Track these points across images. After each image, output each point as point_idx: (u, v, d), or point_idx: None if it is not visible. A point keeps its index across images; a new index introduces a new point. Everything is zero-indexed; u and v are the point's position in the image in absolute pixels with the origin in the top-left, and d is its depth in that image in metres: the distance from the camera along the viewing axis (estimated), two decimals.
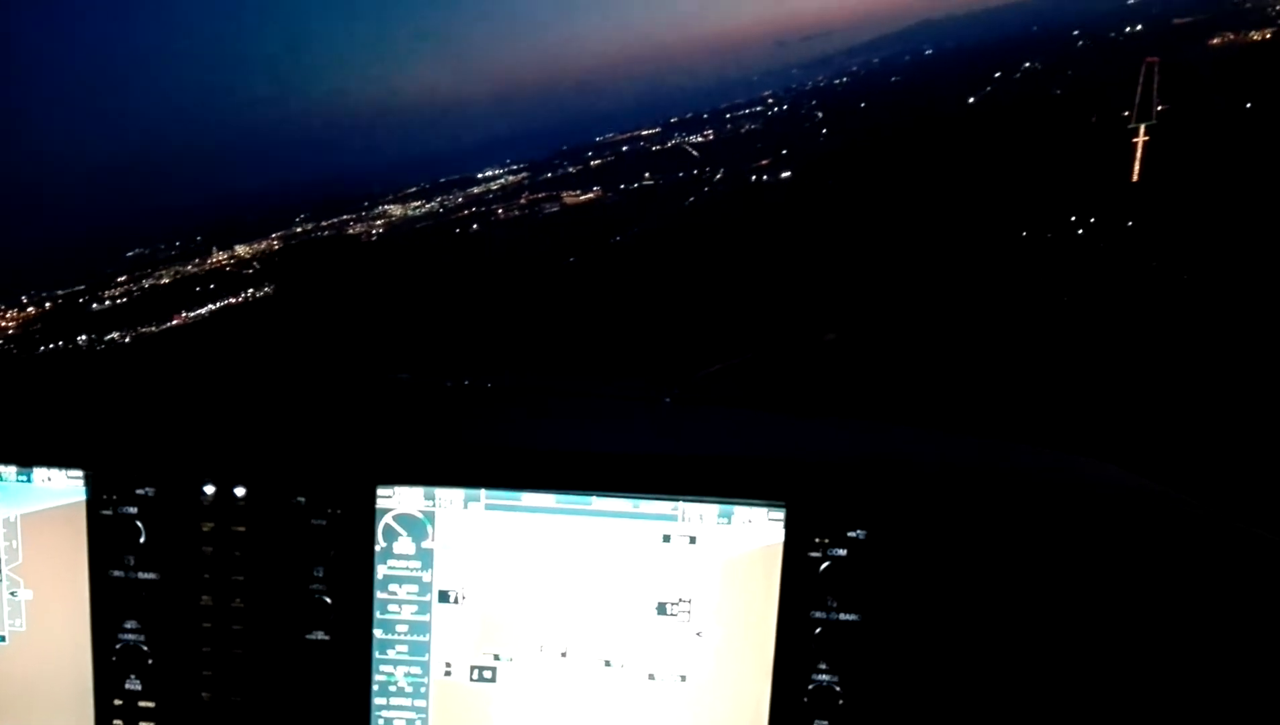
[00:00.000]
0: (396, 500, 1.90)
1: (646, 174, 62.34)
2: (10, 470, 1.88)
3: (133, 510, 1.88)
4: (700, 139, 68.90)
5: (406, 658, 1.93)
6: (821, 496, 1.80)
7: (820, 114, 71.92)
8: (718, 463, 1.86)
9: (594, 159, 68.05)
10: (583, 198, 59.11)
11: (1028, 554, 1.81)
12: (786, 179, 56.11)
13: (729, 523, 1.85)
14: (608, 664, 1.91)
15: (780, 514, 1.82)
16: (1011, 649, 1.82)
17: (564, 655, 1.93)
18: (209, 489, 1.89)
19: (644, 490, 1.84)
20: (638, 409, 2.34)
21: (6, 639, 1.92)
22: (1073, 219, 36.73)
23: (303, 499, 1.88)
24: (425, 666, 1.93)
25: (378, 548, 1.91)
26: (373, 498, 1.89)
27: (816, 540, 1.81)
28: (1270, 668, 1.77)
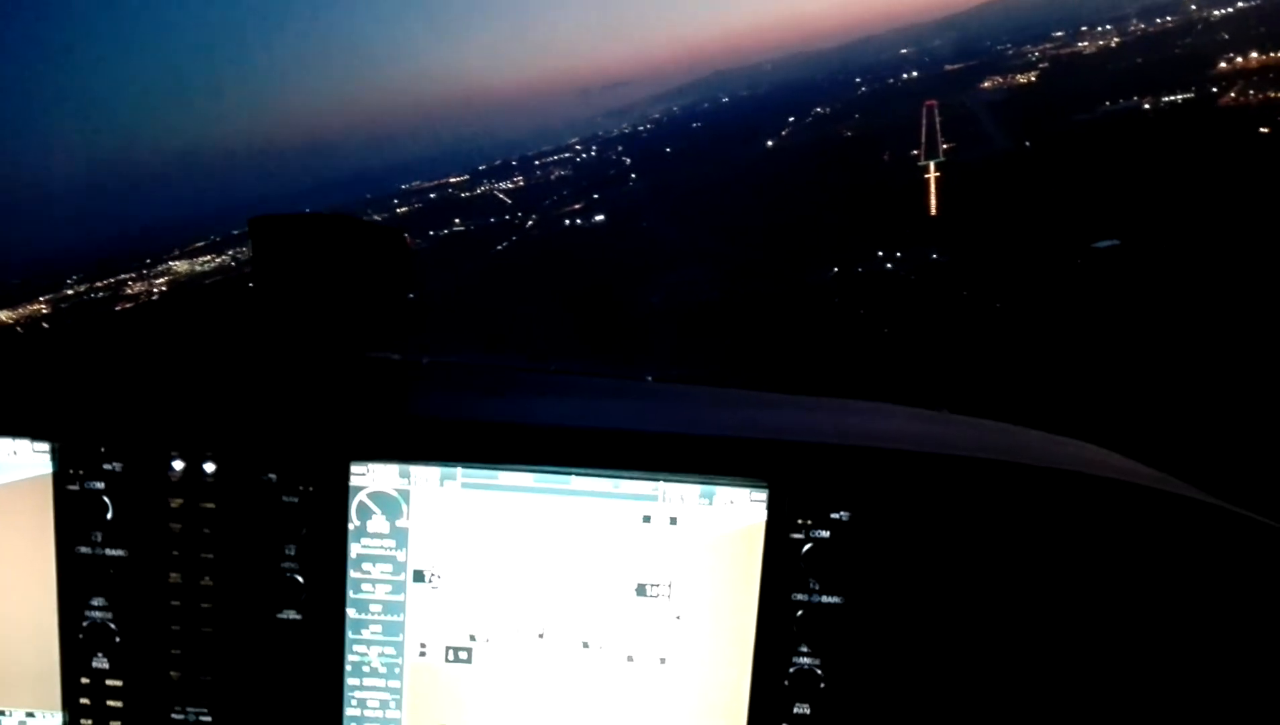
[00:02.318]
0: (371, 478, 1.88)
1: (456, 220, 60.82)
2: None
3: (100, 485, 1.86)
4: (510, 185, 68.20)
5: (380, 638, 1.91)
6: (804, 477, 1.79)
7: (628, 160, 73.16)
8: (699, 442, 1.83)
9: (400, 206, 66.17)
10: None
11: (1014, 538, 1.80)
12: (600, 222, 55.98)
13: (710, 503, 1.83)
14: (586, 645, 1.90)
15: (763, 495, 1.82)
16: (996, 634, 1.81)
17: (541, 636, 1.90)
18: (178, 465, 1.87)
19: (624, 467, 1.82)
20: (618, 387, 2.28)
21: None
22: (880, 253, 37.96)
23: (274, 476, 1.85)
24: (399, 647, 1.91)
25: (351, 526, 1.88)
26: (346, 475, 1.87)
27: (799, 522, 1.80)
28: (1266, 659, 1.78)
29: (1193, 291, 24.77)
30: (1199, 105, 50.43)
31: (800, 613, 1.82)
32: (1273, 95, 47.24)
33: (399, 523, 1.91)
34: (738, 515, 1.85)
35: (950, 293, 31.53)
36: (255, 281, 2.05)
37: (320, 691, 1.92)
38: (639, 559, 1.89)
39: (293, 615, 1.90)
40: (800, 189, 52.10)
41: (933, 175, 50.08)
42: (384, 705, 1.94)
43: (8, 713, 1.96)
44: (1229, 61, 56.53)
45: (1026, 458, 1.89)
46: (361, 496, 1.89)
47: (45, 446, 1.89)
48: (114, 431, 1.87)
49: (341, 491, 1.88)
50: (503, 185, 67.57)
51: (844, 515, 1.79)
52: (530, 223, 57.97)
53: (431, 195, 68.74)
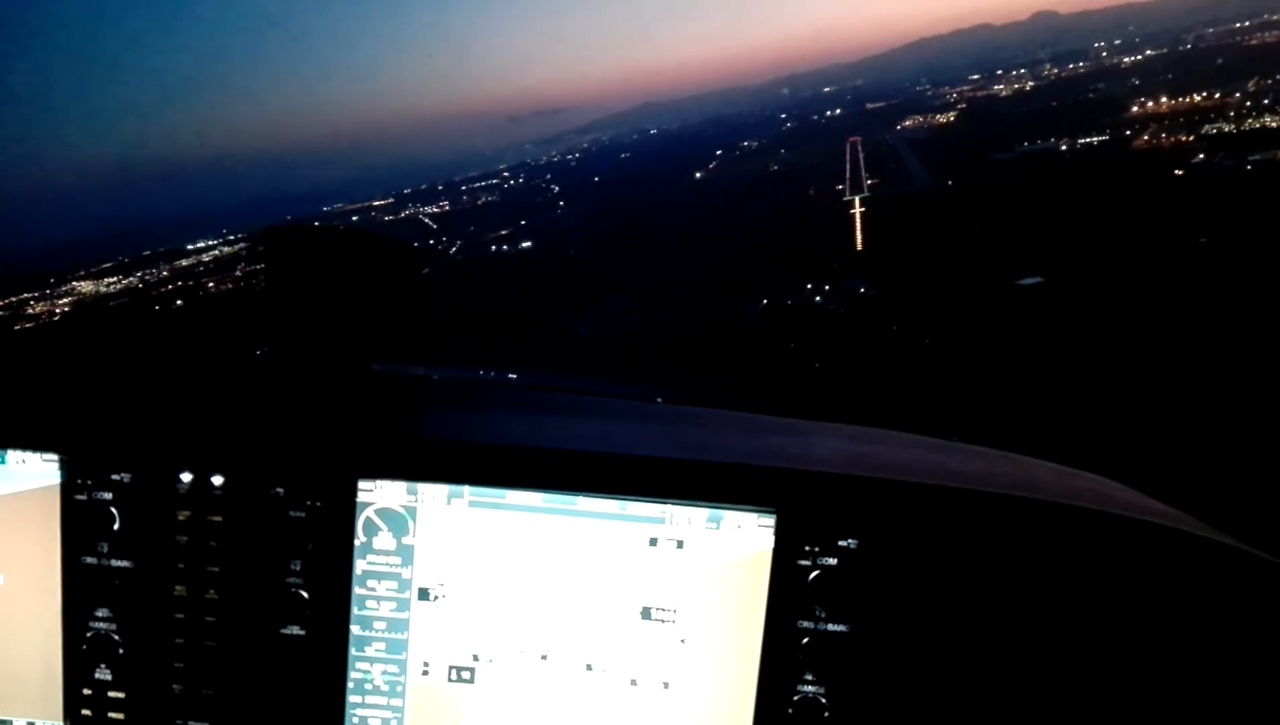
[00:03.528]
0: (378, 494, 1.92)
1: None
2: None
3: (107, 496, 1.91)
4: (436, 210, 67.15)
5: (383, 656, 1.94)
6: (813, 506, 1.82)
7: (556, 188, 72.99)
8: (707, 468, 1.86)
9: None
10: None
11: (1023, 571, 1.82)
12: (527, 249, 55.27)
13: (718, 528, 1.86)
14: (589, 668, 1.91)
15: (770, 521, 1.84)
16: (1003, 668, 1.83)
17: (544, 658, 1.92)
18: (185, 477, 1.92)
19: (631, 492, 1.85)
20: (627, 408, 2.28)
21: None
22: (809, 286, 38.06)
23: (281, 490, 1.89)
24: (402, 665, 1.93)
25: (357, 542, 1.90)
26: (354, 491, 1.91)
27: (806, 548, 1.82)
28: (1270, 692, 1.83)
29: (1113, 326, 25.17)
30: (1113, 147, 52.20)
31: (806, 640, 1.83)
32: (1184, 139, 49.06)
33: (405, 540, 1.91)
34: (745, 540, 1.86)
35: (879, 327, 31.59)
36: (266, 293, 2.05)
37: (322, 708, 1.94)
38: (645, 582, 1.88)
39: (296, 631, 1.91)
40: (728, 221, 52.24)
41: (858, 210, 50.66)
42: (385, 724, 1.95)
43: (11, 722, 2.01)
44: (1140, 106, 58.89)
45: (1037, 491, 1.88)
46: (368, 512, 1.90)
47: (54, 457, 1.92)
48: (123, 444, 1.91)
49: (348, 507, 1.89)
50: (428, 210, 66.63)
51: (852, 543, 1.81)
52: (455, 248, 56.93)
53: (354, 218, 67.40)
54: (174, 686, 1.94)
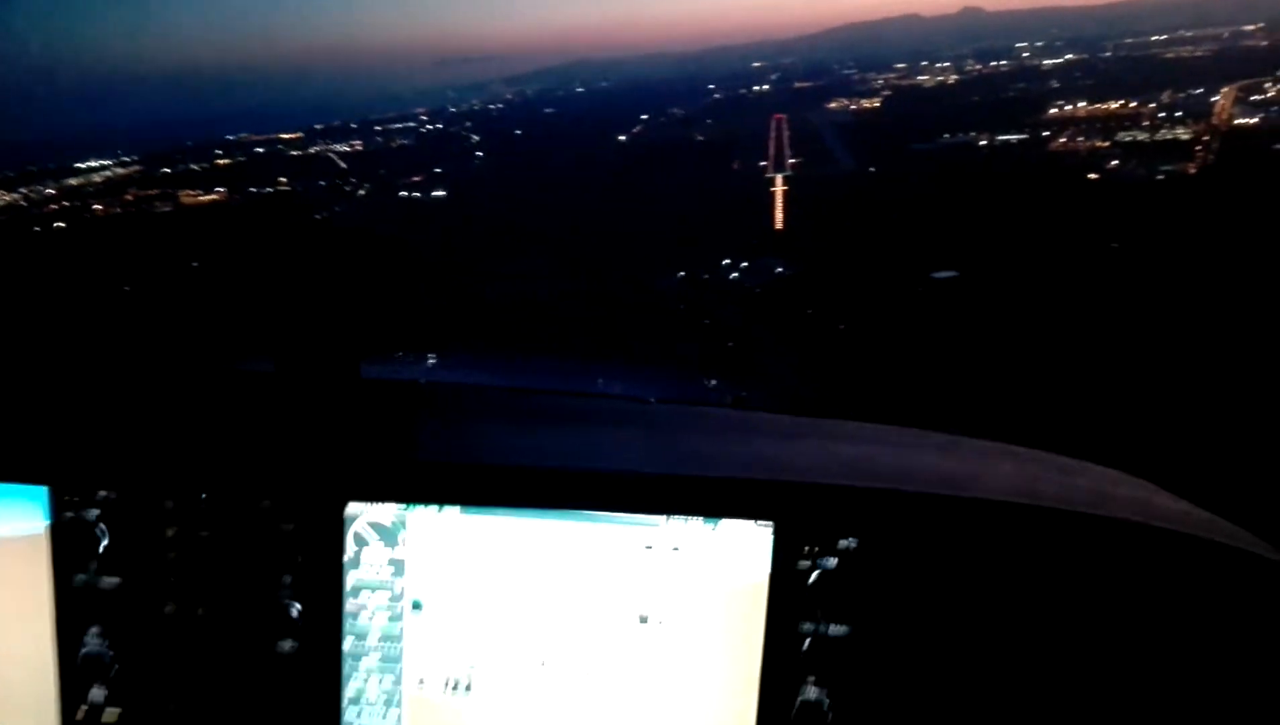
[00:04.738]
0: (367, 506, 1.93)
1: (282, 179, 56.72)
2: None
3: (94, 514, 1.92)
4: (347, 148, 64.41)
5: (378, 668, 1.94)
6: (813, 518, 1.82)
7: (475, 137, 70.94)
8: (703, 484, 1.87)
9: (221, 157, 61.40)
10: (203, 198, 51.77)
11: (1029, 567, 1.82)
12: (439, 197, 53.35)
13: (714, 530, 1.86)
14: (588, 676, 1.91)
15: (769, 524, 1.85)
16: (1009, 667, 1.83)
17: (542, 666, 1.92)
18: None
19: (626, 509, 1.85)
20: (621, 412, 2.29)
21: None
22: (726, 261, 37.59)
23: (269, 504, 1.90)
24: (398, 677, 1.94)
25: (347, 555, 1.91)
26: (342, 504, 1.94)
27: (806, 550, 1.82)
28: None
29: (1023, 323, 25.50)
30: (1031, 146, 53.21)
31: (807, 643, 1.83)
32: (1099, 144, 50.18)
33: (396, 551, 1.91)
34: (743, 543, 1.84)
35: (794, 308, 31.33)
36: (248, 294, 2.04)
37: (318, 722, 1.94)
38: (641, 587, 1.89)
39: (289, 645, 1.91)
40: (649, 187, 51.33)
41: (779, 188, 50.35)
42: None
43: None
44: (1059, 108, 60.21)
45: (1039, 496, 1.87)
46: (358, 524, 1.90)
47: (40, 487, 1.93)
48: (106, 470, 1.90)
49: (337, 520, 1.89)
50: (338, 147, 64.01)
51: (852, 543, 1.80)
52: (363, 191, 54.63)
53: (258, 149, 64.59)
54: (168, 704, 1.94)
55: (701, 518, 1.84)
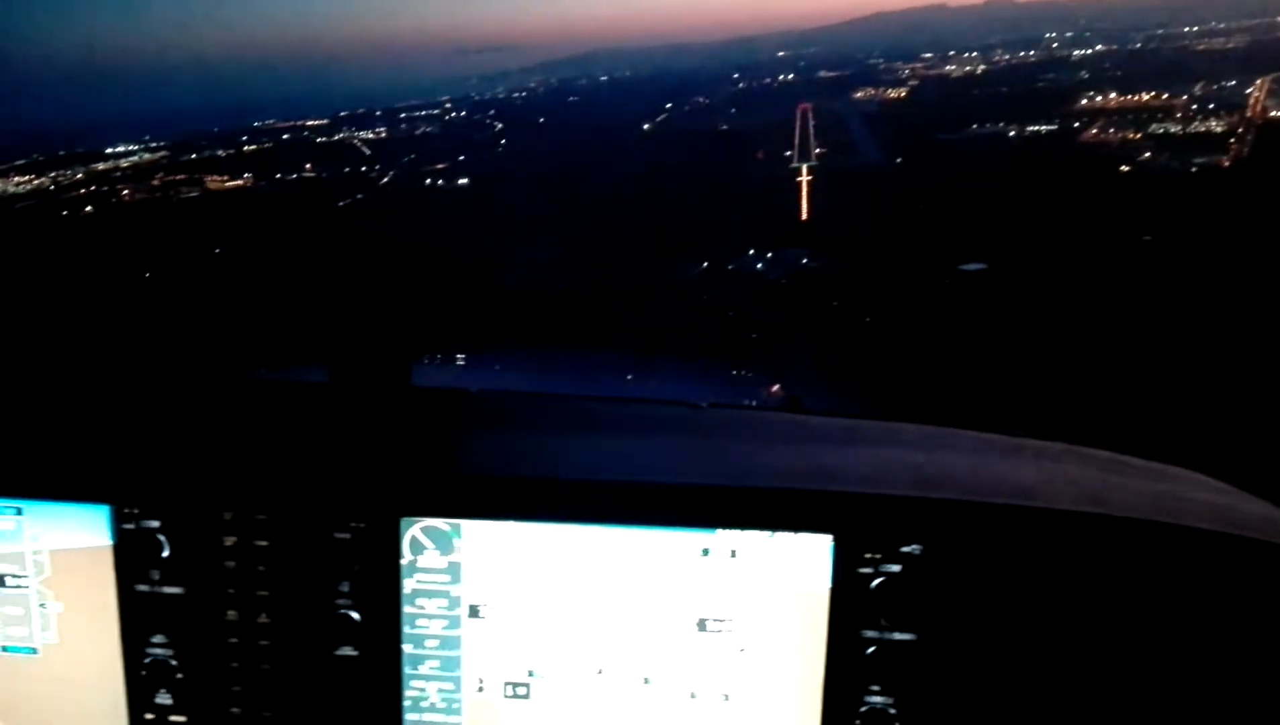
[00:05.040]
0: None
1: (308, 165, 56.93)
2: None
3: (155, 524, 1.95)
4: (371, 135, 64.50)
5: (437, 673, 1.96)
6: (874, 531, 1.79)
7: (499, 125, 70.86)
8: (758, 496, 1.85)
9: (248, 144, 61.68)
10: (229, 184, 52.37)
11: (1099, 578, 1.79)
12: (463, 186, 53.35)
13: (772, 535, 1.83)
14: (647, 681, 1.91)
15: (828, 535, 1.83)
16: (1076, 679, 1.80)
17: (600, 672, 1.92)
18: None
19: (680, 523, 1.84)
20: (672, 417, 2.28)
21: (39, 651, 2.06)
22: (751, 251, 37.35)
23: (325, 515, 1.93)
24: (457, 682, 1.96)
25: (404, 561, 1.92)
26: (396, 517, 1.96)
27: (868, 556, 1.79)
28: None
29: (1053, 317, 25.18)
30: (1061, 137, 52.53)
31: (871, 650, 1.80)
32: (1131, 136, 49.49)
33: (452, 557, 1.92)
34: (802, 548, 1.82)
35: (820, 300, 31.07)
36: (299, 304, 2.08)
37: None
38: (699, 592, 1.87)
39: (349, 652, 1.94)
40: (673, 177, 51.06)
41: (805, 178, 49.96)
42: None
43: None
44: (1089, 99, 59.37)
45: (1111, 505, 1.82)
46: (414, 530, 1.91)
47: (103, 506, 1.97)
48: (166, 490, 1.93)
49: (393, 527, 1.91)
50: (363, 134, 64.07)
51: (916, 549, 1.76)
52: (386, 179, 54.68)
53: (285, 136, 64.77)
54: (233, 709, 1.97)
55: (756, 529, 1.81)
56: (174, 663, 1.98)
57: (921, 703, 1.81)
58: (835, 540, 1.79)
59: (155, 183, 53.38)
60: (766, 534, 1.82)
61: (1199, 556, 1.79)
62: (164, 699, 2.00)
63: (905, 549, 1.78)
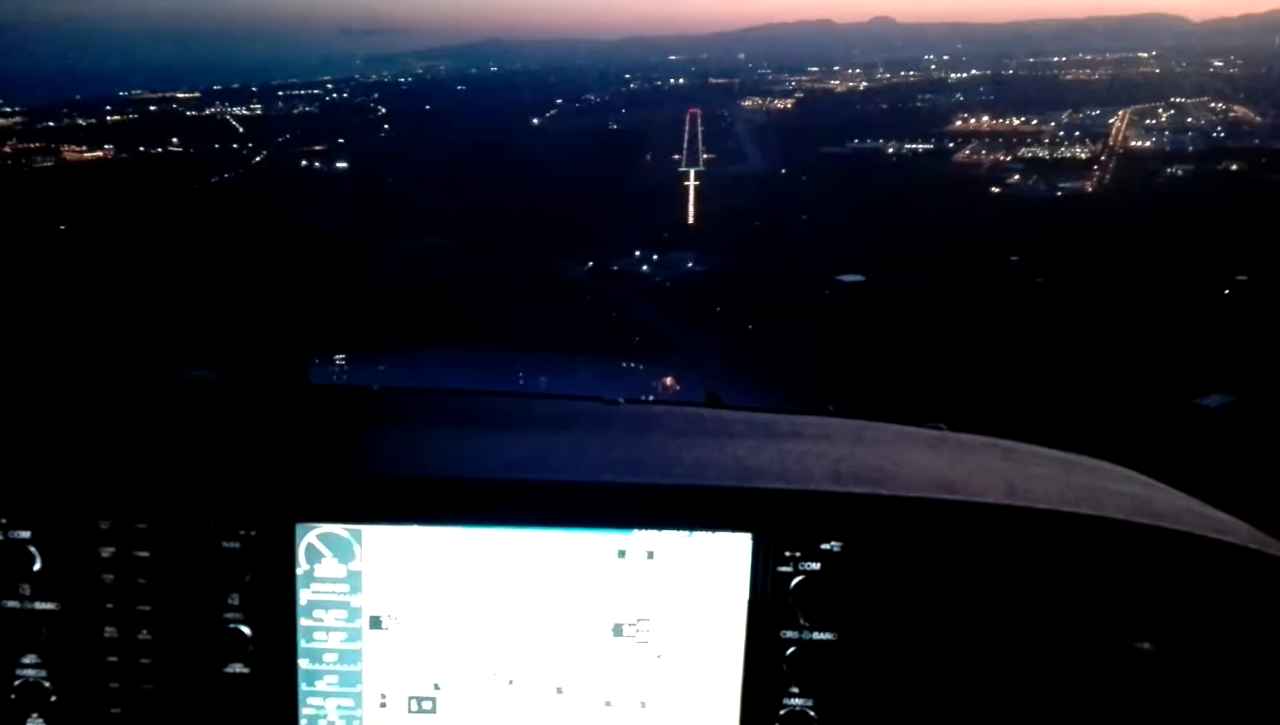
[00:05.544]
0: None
1: (174, 139, 54.11)
2: None
3: (25, 534, 1.85)
4: (245, 112, 61.74)
5: (336, 689, 1.89)
6: (794, 527, 1.77)
7: (382, 110, 69.00)
8: (675, 495, 1.82)
9: (112, 114, 58.29)
10: (88, 155, 49.23)
11: (1019, 570, 1.80)
12: (341, 170, 51.56)
13: (690, 535, 1.81)
14: (560, 691, 1.88)
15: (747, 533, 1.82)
16: (997, 672, 1.81)
17: (511, 683, 1.88)
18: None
19: (592, 524, 1.81)
20: (586, 413, 2.22)
21: None
22: (637, 252, 37.33)
23: (213, 522, 1.85)
24: (358, 698, 1.90)
25: (299, 570, 1.85)
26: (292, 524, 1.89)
27: (787, 554, 1.77)
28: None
29: (926, 329, 26.00)
30: (937, 156, 54.72)
31: (790, 651, 1.78)
32: (1001, 158, 51.83)
33: (352, 565, 1.85)
34: (720, 547, 1.80)
35: (703, 304, 31.48)
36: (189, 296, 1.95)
37: None
38: (614, 596, 1.84)
39: (240, 669, 1.85)
40: (561, 173, 50.52)
41: (692, 182, 50.32)
42: None
43: None
44: (964, 121, 62.08)
45: (1032, 498, 1.84)
46: (310, 537, 1.83)
47: None
48: (37, 502, 1.83)
49: (288, 534, 1.83)
50: (237, 110, 61.40)
51: (835, 546, 1.75)
52: (260, 157, 52.36)
53: (152, 107, 61.67)
54: None
55: (672, 528, 1.78)
56: (47, 684, 1.88)
57: (842, 703, 1.80)
58: (754, 538, 1.76)
59: (5, 150, 49.84)
60: (685, 533, 1.79)
61: (1120, 548, 1.79)
62: (35, 724, 1.90)
63: (825, 546, 1.75)
